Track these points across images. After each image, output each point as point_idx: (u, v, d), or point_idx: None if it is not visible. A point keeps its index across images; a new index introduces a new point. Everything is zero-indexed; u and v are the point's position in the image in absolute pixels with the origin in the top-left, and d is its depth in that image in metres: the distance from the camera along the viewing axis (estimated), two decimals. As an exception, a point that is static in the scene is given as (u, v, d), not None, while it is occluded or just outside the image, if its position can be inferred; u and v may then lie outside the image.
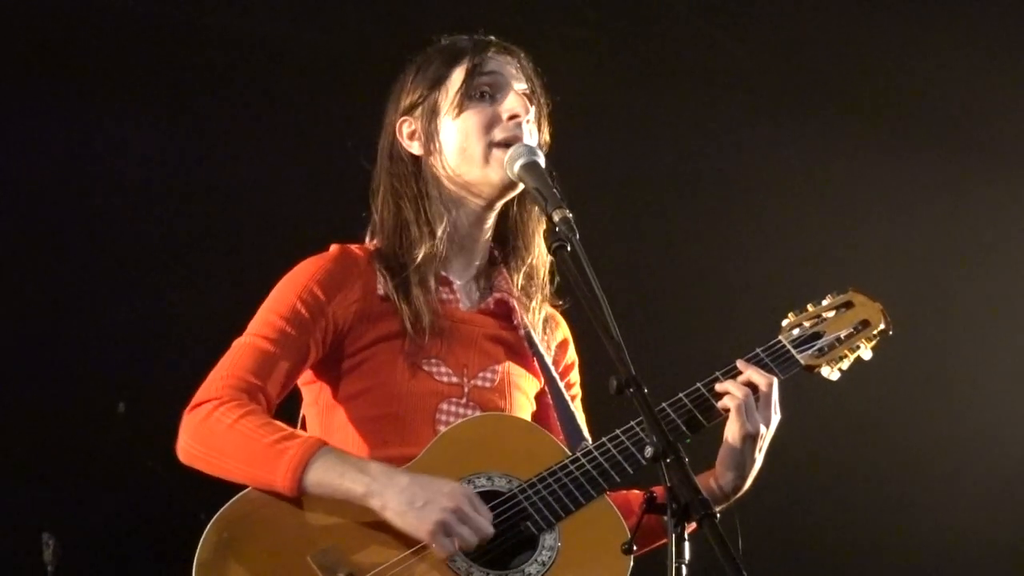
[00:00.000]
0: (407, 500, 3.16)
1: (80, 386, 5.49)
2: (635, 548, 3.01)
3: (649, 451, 2.81)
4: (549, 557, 3.24)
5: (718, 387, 3.42)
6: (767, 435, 3.42)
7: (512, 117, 3.48)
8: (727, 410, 3.39)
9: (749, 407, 3.38)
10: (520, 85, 3.54)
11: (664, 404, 3.39)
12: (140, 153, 5.55)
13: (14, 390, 5.43)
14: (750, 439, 3.37)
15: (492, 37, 3.59)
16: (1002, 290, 6.11)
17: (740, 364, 3.46)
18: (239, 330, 3.48)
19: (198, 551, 3.21)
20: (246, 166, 5.58)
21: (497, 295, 3.58)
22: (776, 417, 3.43)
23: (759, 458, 3.42)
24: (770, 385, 3.42)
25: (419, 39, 3.64)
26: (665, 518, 2.74)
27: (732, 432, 3.38)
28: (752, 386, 3.41)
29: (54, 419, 5.46)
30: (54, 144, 5.48)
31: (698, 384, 3.43)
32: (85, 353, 5.51)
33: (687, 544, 2.72)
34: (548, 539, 3.26)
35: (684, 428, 3.39)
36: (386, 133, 3.61)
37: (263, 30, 5.62)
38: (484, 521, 3.18)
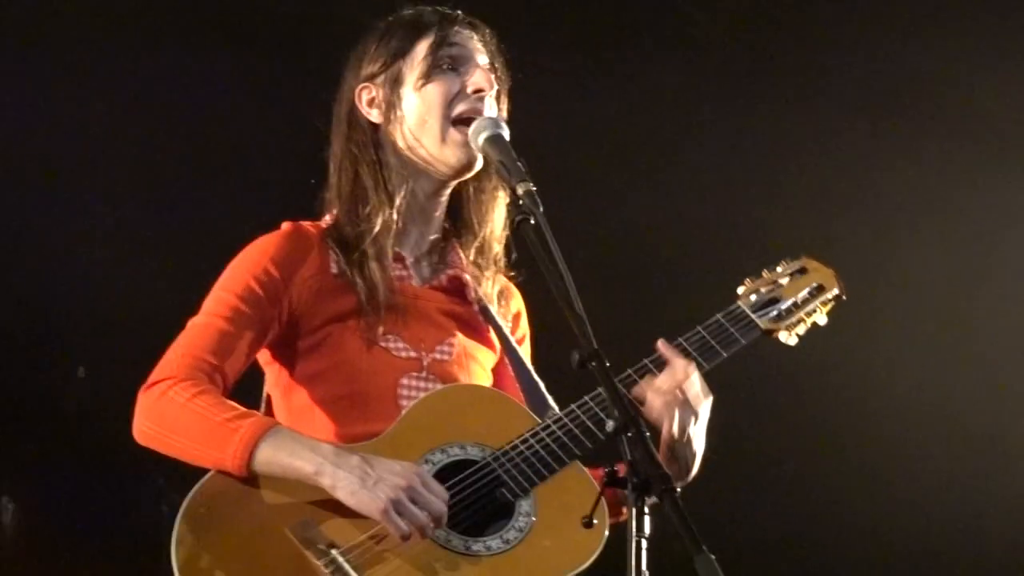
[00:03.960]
0: (358, 479, 3.15)
1: (39, 350, 5.45)
2: (595, 522, 3.01)
3: (610, 425, 2.80)
4: (526, 523, 3.26)
5: (635, 391, 3.39)
6: (703, 418, 3.40)
7: (477, 91, 3.48)
8: (653, 409, 3.36)
9: (673, 403, 3.35)
10: (483, 59, 3.53)
11: (586, 397, 3.37)
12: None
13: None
14: (685, 431, 3.36)
15: (458, 12, 3.57)
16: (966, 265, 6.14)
17: (662, 346, 3.44)
18: (200, 300, 3.45)
19: (176, 528, 3.19)
20: (213, 140, 5.54)
21: (450, 272, 3.58)
22: (707, 400, 3.40)
23: (701, 443, 3.41)
24: (687, 374, 3.38)
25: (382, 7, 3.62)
26: (626, 492, 2.74)
27: (666, 430, 3.36)
28: (675, 383, 3.37)
29: (13, 383, 5.42)
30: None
31: (628, 370, 3.40)
32: (45, 316, 5.47)
33: (647, 518, 2.72)
34: (524, 505, 3.28)
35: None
36: (344, 99, 3.60)
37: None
38: (436, 500, 3.17)
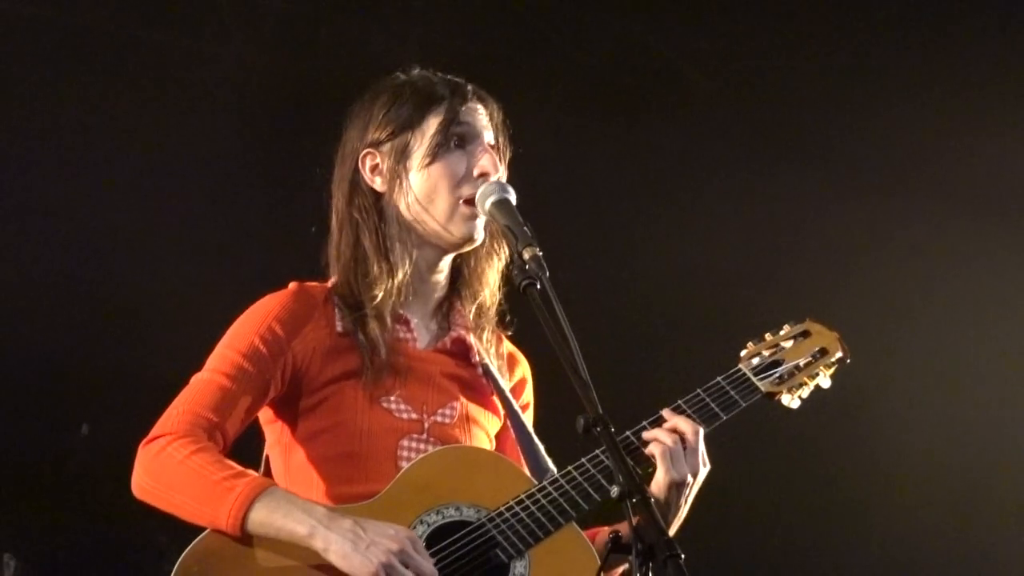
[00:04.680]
0: (350, 542, 3.15)
1: (43, 407, 5.46)
2: None
3: (615, 491, 2.81)
4: None
5: (645, 435, 3.40)
6: (694, 484, 3.40)
7: (482, 175, 3.48)
8: (654, 456, 3.37)
9: (676, 454, 3.36)
10: (489, 136, 3.54)
11: (597, 451, 3.37)
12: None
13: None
14: (676, 486, 3.35)
15: (469, 85, 3.58)
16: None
17: (666, 413, 3.44)
18: (204, 357, 3.45)
19: None
20: (213, 197, 5.56)
21: (454, 333, 3.58)
22: (704, 469, 3.41)
23: (684, 507, 3.41)
24: (696, 434, 3.40)
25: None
26: (630, 558, 2.73)
27: (658, 478, 3.36)
28: (679, 435, 3.39)
29: (17, 440, 5.42)
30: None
31: (626, 432, 3.40)
32: (49, 373, 5.47)
33: (651, 583, 2.71)
34: (518, 567, 3.27)
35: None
36: (347, 160, 3.59)
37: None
38: (428, 564, 3.17)
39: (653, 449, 3.37)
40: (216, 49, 5.59)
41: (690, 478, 3.37)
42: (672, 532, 3.38)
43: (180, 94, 5.55)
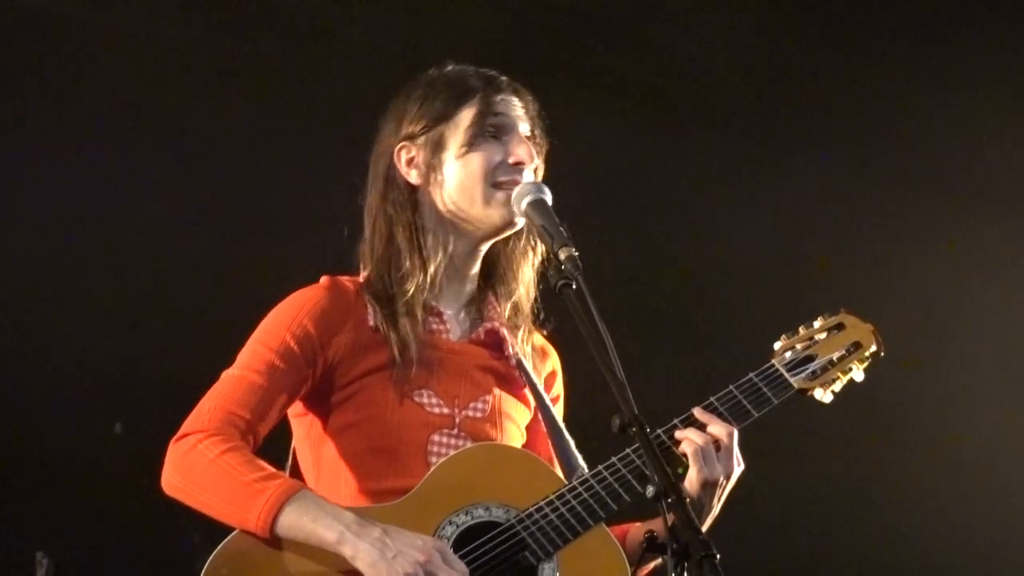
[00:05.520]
0: (378, 551, 3.15)
1: (77, 405, 5.47)
2: None
3: (651, 490, 2.82)
4: None
5: (677, 434, 3.39)
6: (727, 485, 3.38)
7: (517, 163, 3.48)
8: (686, 456, 3.36)
9: (708, 453, 3.35)
10: (525, 127, 3.54)
11: (628, 450, 3.36)
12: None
13: (10, 407, 5.41)
14: (709, 486, 3.34)
15: (503, 77, 3.57)
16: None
17: (698, 412, 3.43)
18: (234, 354, 3.45)
19: None
20: (244, 194, 5.56)
21: (487, 325, 3.57)
22: (738, 468, 3.39)
23: (716, 507, 3.39)
24: (730, 435, 3.39)
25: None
26: (665, 558, 2.72)
27: (691, 477, 3.35)
28: (713, 436, 3.37)
29: (51, 437, 5.43)
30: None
31: (658, 431, 3.39)
32: (83, 372, 5.49)
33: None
34: (547, 569, 3.27)
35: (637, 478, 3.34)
36: (382, 154, 3.60)
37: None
38: (455, 574, 3.16)
39: (686, 448, 3.36)
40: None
41: (723, 479, 3.36)
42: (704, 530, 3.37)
43: (220, 90, 5.57)
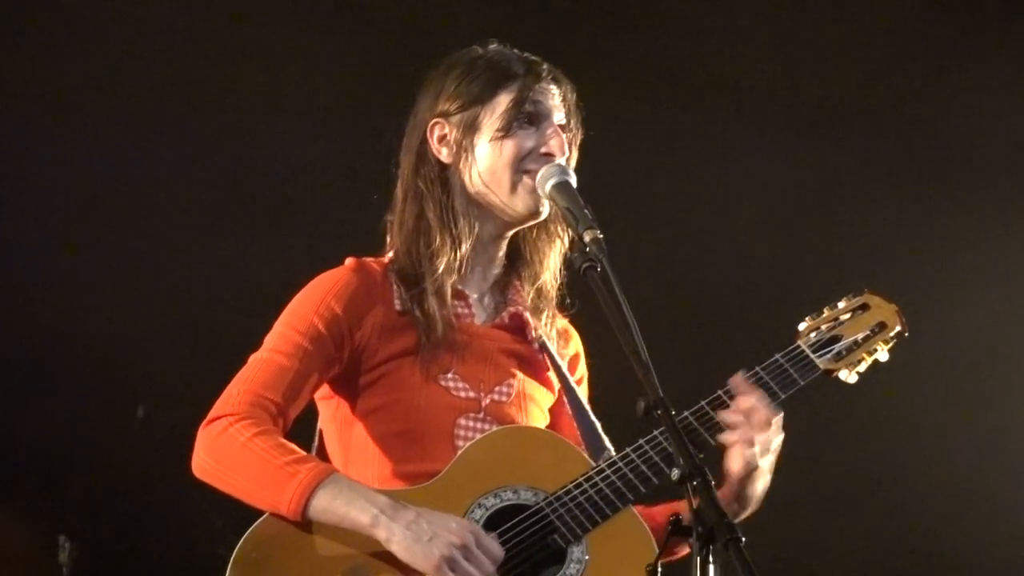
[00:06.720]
0: (413, 534, 3.15)
1: (100, 390, 5.48)
2: (659, 571, 2.97)
3: (676, 473, 2.81)
4: (577, 570, 3.24)
5: (719, 418, 3.35)
6: (772, 459, 3.36)
7: (547, 154, 3.46)
8: (725, 439, 3.34)
9: (748, 428, 3.32)
10: (560, 116, 3.52)
11: (655, 432, 3.33)
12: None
13: (34, 393, 5.43)
14: (753, 471, 3.33)
15: (544, 64, 3.55)
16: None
17: (739, 383, 3.38)
18: (261, 340, 3.45)
19: (228, 571, 3.21)
20: (268, 178, 5.56)
21: (512, 309, 3.56)
22: (778, 438, 3.36)
23: (764, 482, 3.37)
24: (768, 406, 3.35)
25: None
26: (691, 541, 2.71)
27: (736, 467, 3.33)
28: (749, 409, 3.33)
29: (73, 422, 5.45)
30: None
31: (685, 413, 3.35)
32: (105, 356, 5.50)
33: (712, 567, 2.70)
34: (576, 552, 3.26)
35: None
36: (416, 129, 3.57)
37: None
38: (488, 560, 3.17)
39: (728, 437, 3.33)
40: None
41: (767, 452, 3.33)
42: (756, 506, 3.38)
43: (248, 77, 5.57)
